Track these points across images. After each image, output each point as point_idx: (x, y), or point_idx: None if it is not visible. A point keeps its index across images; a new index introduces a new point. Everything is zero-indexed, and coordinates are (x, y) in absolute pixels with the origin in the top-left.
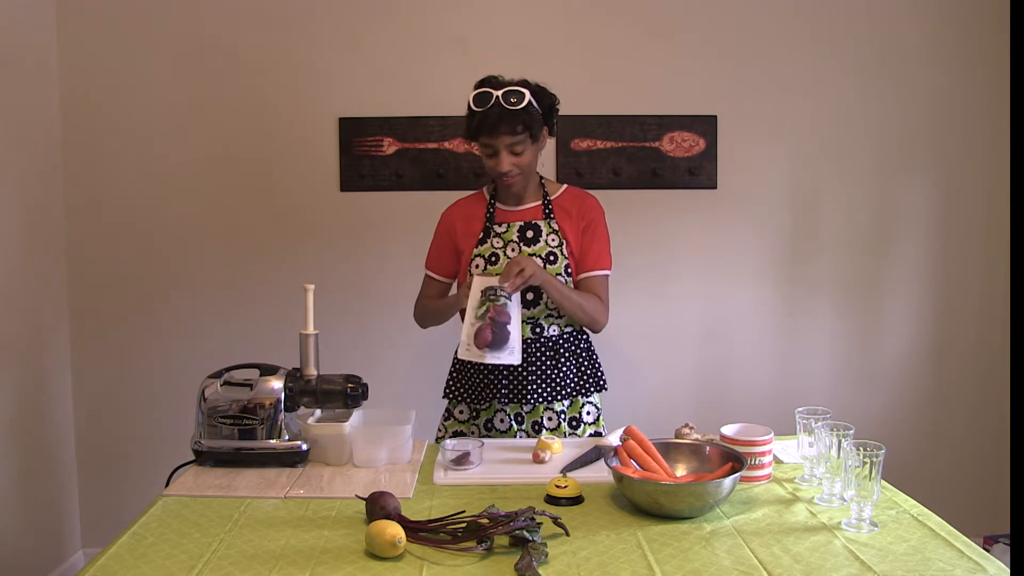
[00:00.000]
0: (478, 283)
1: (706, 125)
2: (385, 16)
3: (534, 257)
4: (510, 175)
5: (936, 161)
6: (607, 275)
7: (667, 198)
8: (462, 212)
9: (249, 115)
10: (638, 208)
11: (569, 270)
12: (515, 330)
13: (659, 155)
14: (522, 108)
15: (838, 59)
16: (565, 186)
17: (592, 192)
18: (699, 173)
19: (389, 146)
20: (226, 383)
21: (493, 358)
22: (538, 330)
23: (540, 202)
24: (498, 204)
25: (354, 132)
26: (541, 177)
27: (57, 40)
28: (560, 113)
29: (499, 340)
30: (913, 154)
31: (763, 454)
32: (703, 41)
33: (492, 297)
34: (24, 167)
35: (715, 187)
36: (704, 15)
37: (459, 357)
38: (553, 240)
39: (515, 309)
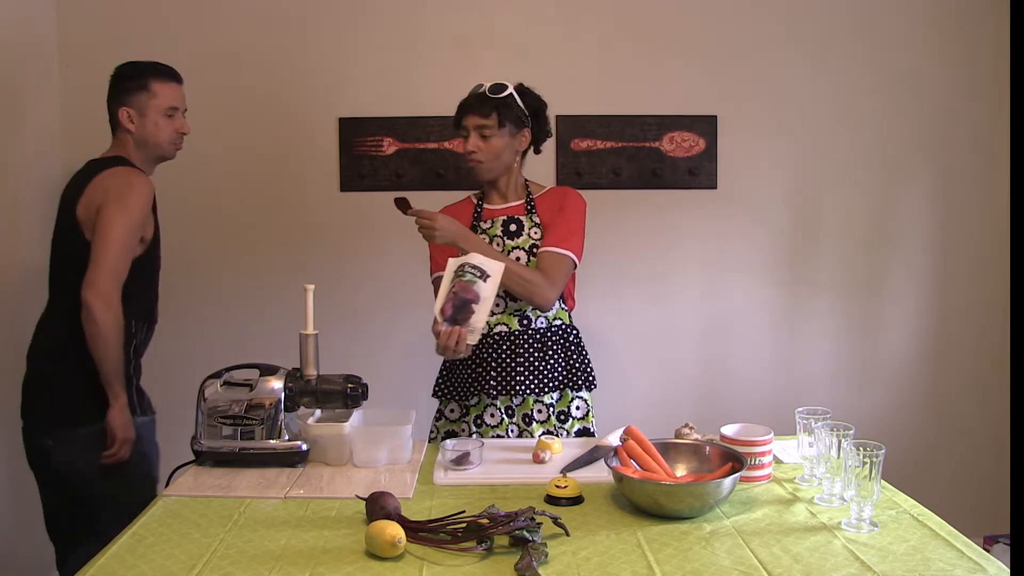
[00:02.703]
0: (451, 263)
1: (706, 125)
2: (385, 16)
3: (517, 250)
4: (473, 156)
5: (936, 161)
6: (563, 254)
7: (667, 198)
8: (452, 214)
9: (249, 115)
10: (638, 208)
11: None
12: (480, 312)
13: (659, 155)
14: (499, 97)
15: (838, 59)
16: (550, 187)
17: (592, 192)
18: (699, 173)
19: (389, 146)
20: (226, 383)
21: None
22: (525, 322)
23: (523, 201)
24: (485, 204)
25: (354, 132)
26: (527, 181)
27: (58, 40)
28: (560, 113)
29: (459, 314)
30: (913, 154)
31: (763, 454)
32: (703, 41)
33: (459, 273)
34: (24, 167)
35: (715, 187)
36: (704, 15)
37: (432, 331)
38: (535, 233)
39: (486, 290)
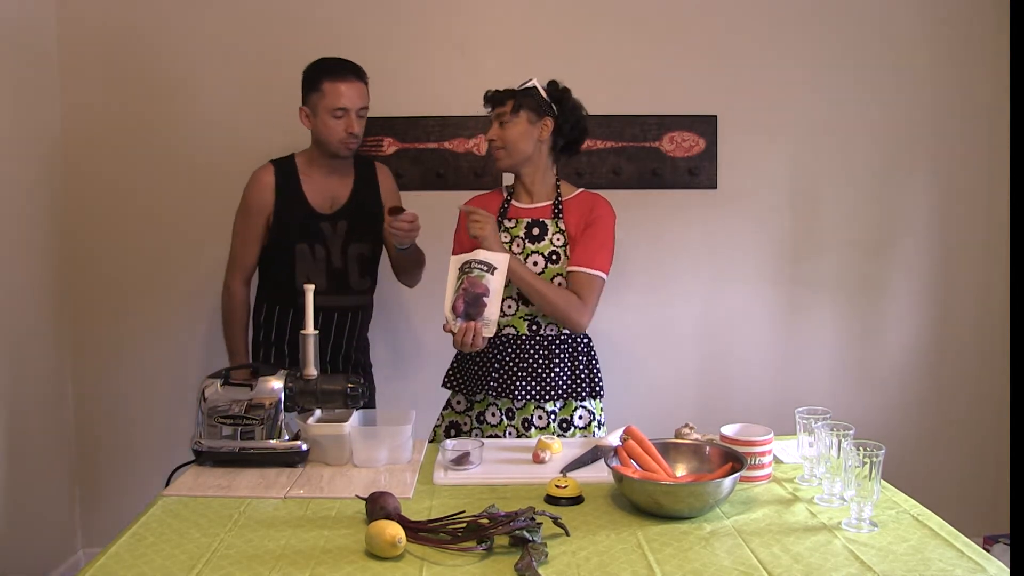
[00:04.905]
0: (454, 262)
1: (706, 125)
2: (385, 16)
3: (536, 255)
4: (492, 144)
5: (936, 161)
6: (594, 275)
7: (667, 198)
8: (479, 204)
9: (250, 115)
10: (638, 208)
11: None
12: (492, 304)
13: (659, 155)
14: (520, 88)
15: (838, 59)
16: (581, 190)
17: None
18: (699, 173)
19: (389, 146)
20: (226, 383)
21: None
22: (535, 327)
23: (551, 202)
24: (513, 201)
25: None
26: (559, 181)
27: (58, 38)
28: None
29: (472, 309)
30: (913, 154)
31: (763, 454)
32: (703, 41)
33: (467, 270)
34: (24, 166)
35: (715, 187)
36: (704, 15)
37: (444, 330)
38: (558, 240)
39: (495, 282)
